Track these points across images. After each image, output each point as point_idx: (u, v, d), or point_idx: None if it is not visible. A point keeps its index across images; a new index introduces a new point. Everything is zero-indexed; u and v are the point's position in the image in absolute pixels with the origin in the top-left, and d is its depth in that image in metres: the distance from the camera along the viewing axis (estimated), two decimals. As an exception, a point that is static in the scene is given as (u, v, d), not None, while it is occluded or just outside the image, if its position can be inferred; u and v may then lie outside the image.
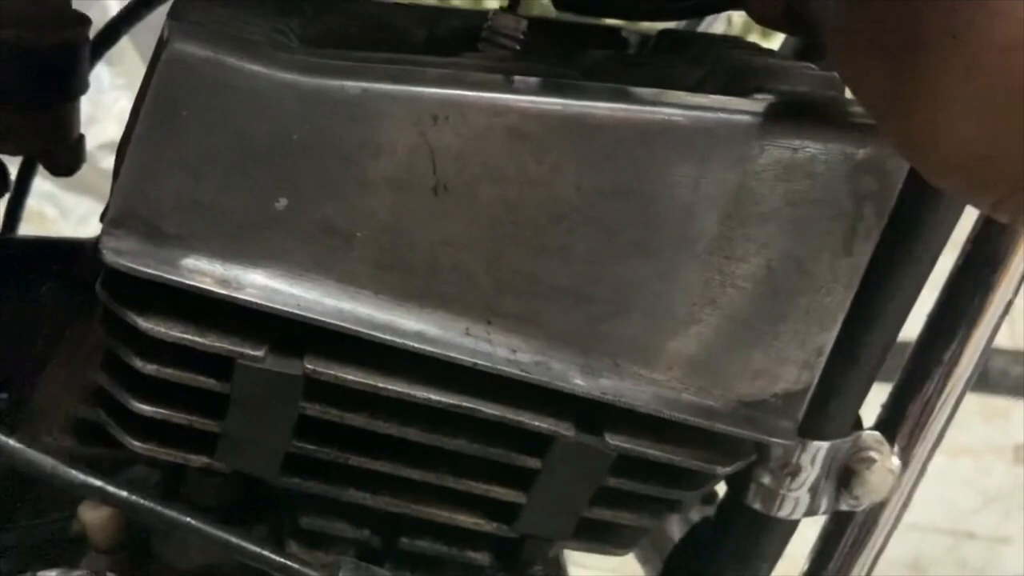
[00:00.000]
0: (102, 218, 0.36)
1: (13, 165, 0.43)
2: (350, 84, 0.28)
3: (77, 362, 0.36)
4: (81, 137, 0.42)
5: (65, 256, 0.38)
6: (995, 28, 0.20)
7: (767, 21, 0.30)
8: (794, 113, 0.31)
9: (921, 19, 0.21)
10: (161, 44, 0.28)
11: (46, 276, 0.37)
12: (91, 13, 0.42)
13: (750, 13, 0.30)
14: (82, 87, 0.41)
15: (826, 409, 0.37)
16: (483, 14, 0.39)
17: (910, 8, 0.21)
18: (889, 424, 0.40)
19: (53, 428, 0.36)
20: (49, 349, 0.36)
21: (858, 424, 0.40)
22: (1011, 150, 0.21)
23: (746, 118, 0.30)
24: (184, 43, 0.27)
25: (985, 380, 1.49)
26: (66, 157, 0.41)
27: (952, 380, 0.39)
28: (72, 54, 0.39)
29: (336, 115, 0.28)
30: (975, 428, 1.41)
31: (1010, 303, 0.39)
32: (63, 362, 0.36)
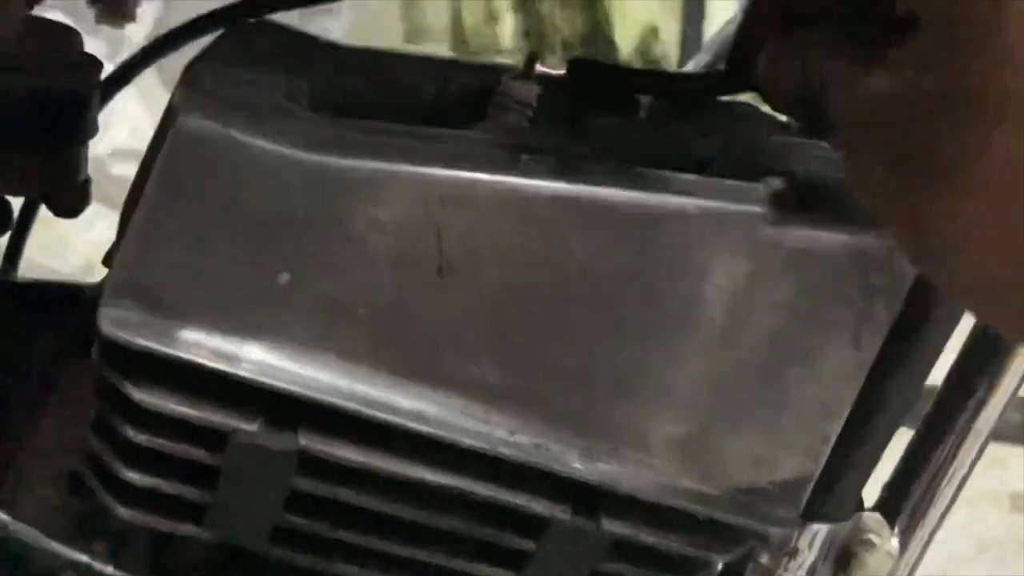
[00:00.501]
0: (105, 261, 0.36)
1: (16, 203, 0.43)
2: (359, 163, 0.27)
3: (69, 414, 0.36)
4: (87, 179, 0.42)
5: (64, 304, 0.38)
6: (1015, 150, 0.20)
7: (781, 105, 0.29)
8: (805, 203, 0.31)
9: (939, 138, 0.21)
10: (170, 111, 0.28)
11: (43, 325, 0.37)
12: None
13: (763, 97, 0.30)
14: (91, 131, 0.40)
15: (828, 492, 0.36)
16: (497, 71, 0.39)
17: (927, 126, 0.21)
18: (890, 505, 0.39)
19: (43, 480, 0.36)
20: (42, 400, 0.36)
21: (859, 504, 0.39)
22: None
23: (756, 208, 0.29)
24: (194, 117, 0.27)
25: (984, 426, 1.48)
26: (71, 199, 0.41)
27: (955, 464, 0.39)
28: (82, 99, 0.39)
29: (343, 192, 0.27)
30: (972, 475, 1.40)
31: (1014, 393, 0.38)
32: (55, 413, 0.36)
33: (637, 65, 2.24)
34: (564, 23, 2.31)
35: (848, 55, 0.26)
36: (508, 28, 2.30)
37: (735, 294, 0.30)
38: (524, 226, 0.28)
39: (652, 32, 2.29)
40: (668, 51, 2.27)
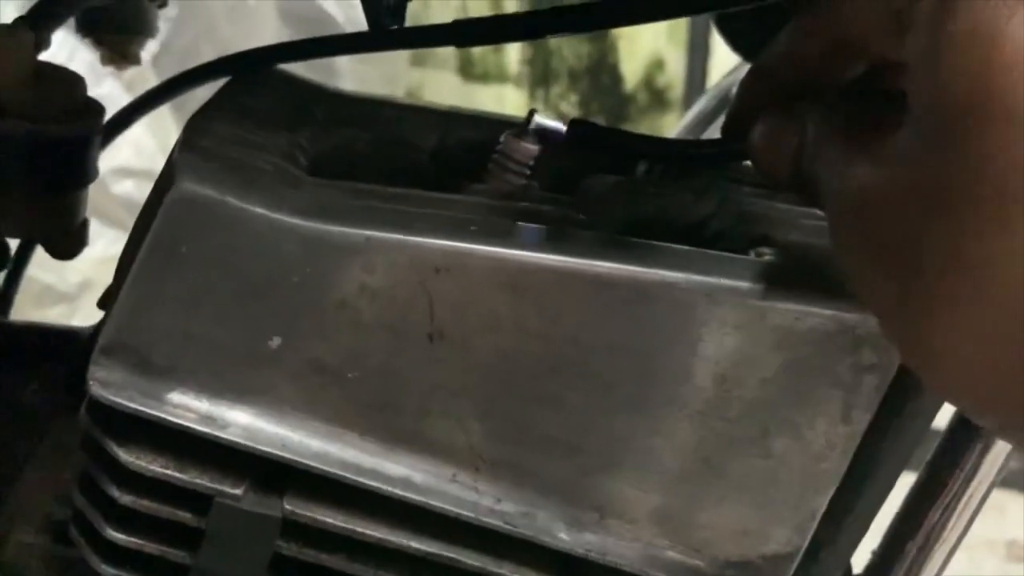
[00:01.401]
0: (100, 304, 0.36)
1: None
2: (353, 231, 0.28)
3: (57, 461, 0.36)
4: (85, 222, 0.42)
5: (55, 349, 0.38)
6: (1005, 255, 0.19)
7: (775, 182, 0.29)
8: (797, 277, 0.31)
9: (928, 238, 0.20)
10: (169, 171, 0.28)
11: (33, 373, 0.37)
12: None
13: (758, 169, 0.30)
14: (92, 176, 0.41)
15: (815, 561, 0.36)
16: (497, 125, 0.39)
17: (914, 224, 0.21)
18: (879, 574, 0.39)
19: (30, 527, 0.36)
20: (30, 447, 0.36)
21: (848, 573, 0.39)
22: (1018, 386, 0.20)
23: (746, 284, 0.29)
24: (191, 183, 0.27)
25: (980, 470, 1.47)
26: (67, 242, 0.41)
27: (943, 536, 0.39)
28: (83, 145, 0.40)
29: (337, 260, 0.28)
30: (968, 520, 1.39)
31: (1006, 463, 0.38)
32: (43, 461, 0.36)
33: (642, 96, 2.25)
34: (570, 53, 2.33)
35: (841, 137, 0.26)
36: (514, 56, 2.32)
37: (723, 367, 0.30)
38: (516, 296, 0.29)
39: (658, 64, 2.31)
40: (673, 82, 2.29)
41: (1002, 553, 1.40)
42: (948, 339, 0.20)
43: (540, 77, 2.27)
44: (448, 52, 2.33)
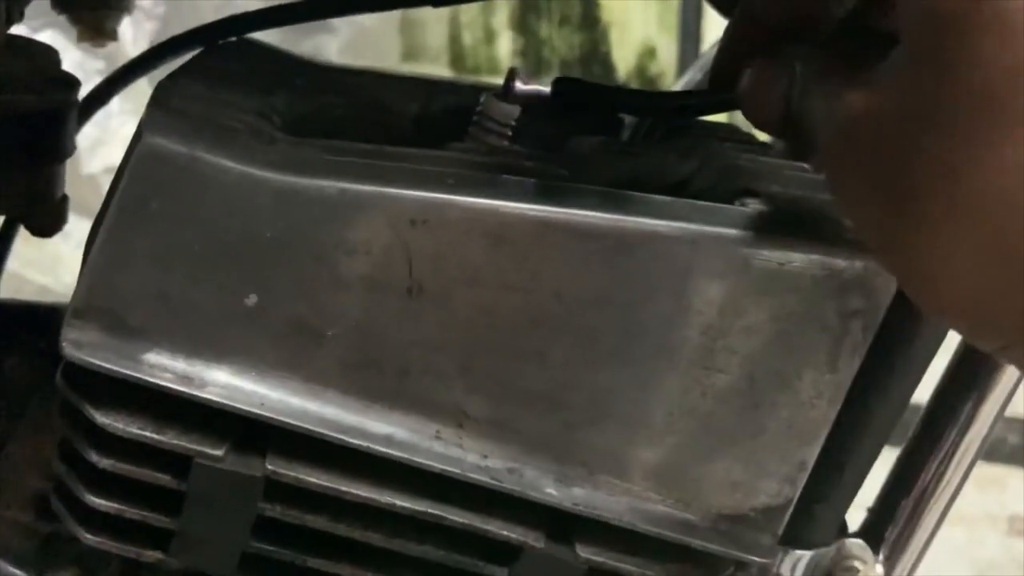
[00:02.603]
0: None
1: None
2: (327, 183, 0.27)
3: (39, 437, 0.35)
4: (64, 198, 0.42)
5: (36, 324, 0.38)
6: (998, 164, 0.19)
7: (764, 125, 0.29)
8: (781, 224, 0.30)
9: (920, 156, 0.20)
10: (139, 130, 0.28)
11: (11, 347, 0.36)
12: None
13: (747, 116, 0.30)
14: (68, 150, 0.40)
15: (809, 518, 0.35)
16: (480, 91, 0.39)
17: (902, 146, 0.20)
18: (874, 531, 0.39)
19: (12, 503, 0.35)
20: (11, 423, 0.35)
21: (843, 529, 0.39)
22: (1015, 300, 0.20)
23: (730, 230, 0.29)
24: (158, 137, 0.26)
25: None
26: (48, 218, 0.41)
27: (941, 487, 0.38)
28: (59, 118, 0.39)
29: (311, 214, 0.27)
30: (969, 497, 1.38)
31: (1000, 413, 0.38)
32: (25, 436, 0.35)
33: (634, 85, 2.25)
34: (562, 43, 2.32)
35: (830, 72, 0.25)
36: (506, 48, 2.31)
37: (710, 317, 0.29)
38: (496, 249, 0.28)
39: (649, 52, 2.30)
40: (665, 70, 2.28)
41: (1003, 528, 1.40)
42: (943, 258, 0.20)
43: (532, 68, 2.27)
44: (440, 46, 2.32)
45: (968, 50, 0.19)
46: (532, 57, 2.32)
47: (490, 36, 2.33)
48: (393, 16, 2.09)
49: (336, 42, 1.83)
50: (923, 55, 0.20)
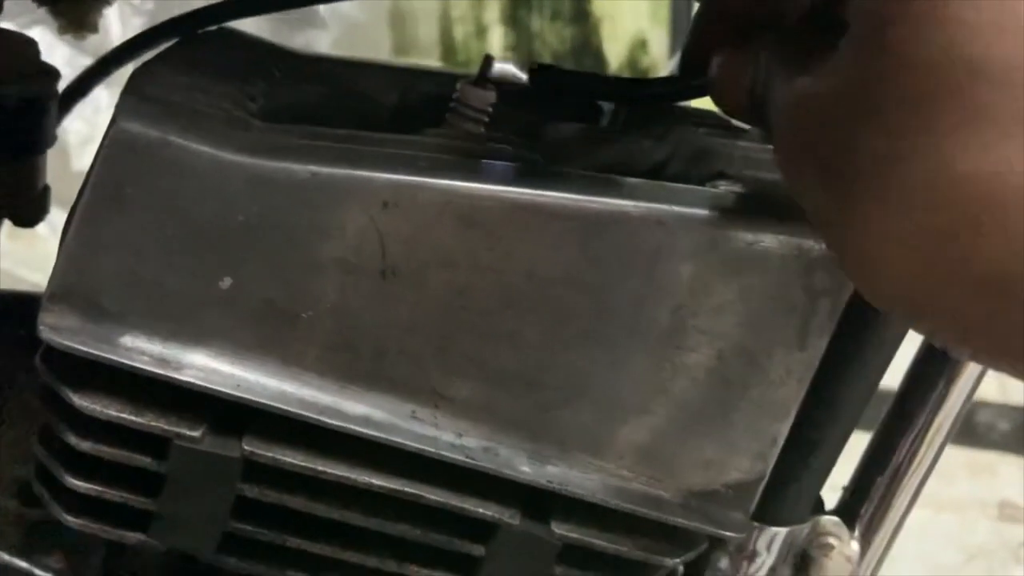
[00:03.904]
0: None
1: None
2: (298, 167, 0.27)
3: (22, 424, 0.36)
4: (46, 188, 0.42)
5: (15, 313, 0.38)
6: (928, 152, 0.19)
7: (732, 111, 0.29)
8: (750, 205, 0.31)
9: (856, 144, 0.21)
10: (113, 117, 0.28)
11: (-5, 335, 0.37)
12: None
13: (715, 102, 0.30)
14: (48, 141, 0.40)
15: (784, 495, 0.36)
16: (458, 80, 0.39)
17: (845, 129, 0.21)
18: (850, 509, 0.39)
19: (-3, 490, 0.36)
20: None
21: (819, 507, 0.39)
22: (946, 287, 0.20)
23: (699, 211, 0.29)
24: (131, 122, 0.27)
25: (972, 434, 1.48)
26: (30, 209, 0.41)
27: (912, 470, 0.39)
28: (39, 109, 0.39)
29: (283, 197, 0.27)
30: (960, 483, 1.40)
31: (971, 394, 0.38)
32: (8, 423, 0.36)
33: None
34: (553, 37, 2.32)
35: (790, 60, 0.26)
36: (497, 41, 2.31)
37: (680, 297, 0.30)
38: (468, 230, 0.29)
39: (641, 44, 2.30)
40: (657, 63, 2.28)
41: (994, 514, 1.41)
42: (879, 244, 0.21)
43: (524, 62, 2.27)
44: (431, 40, 2.32)
45: (903, 41, 0.20)
46: (524, 51, 2.32)
47: (481, 30, 2.33)
48: (384, 10, 2.08)
49: (327, 36, 1.83)
50: (861, 46, 0.21)
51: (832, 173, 0.21)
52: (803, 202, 0.24)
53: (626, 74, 2.26)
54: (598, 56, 2.30)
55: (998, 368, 0.22)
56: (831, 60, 0.22)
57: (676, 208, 0.29)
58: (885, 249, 0.20)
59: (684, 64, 0.33)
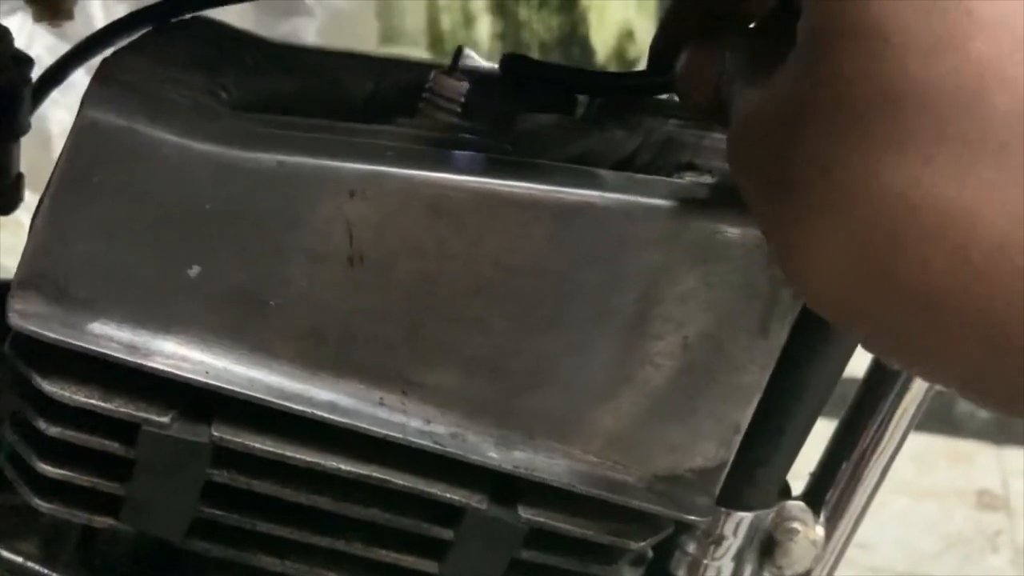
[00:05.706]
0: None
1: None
2: (266, 156, 0.28)
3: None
4: (20, 176, 0.42)
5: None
6: (860, 166, 0.20)
7: (695, 108, 0.30)
8: (715, 196, 0.31)
9: (796, 152, 0.21)
10: (80, 105, 0.28)
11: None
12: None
13: (680, 98, 0.31)
14: (22, 128, 0.40)
15: (750, 480, 0.37)
16: (433, 68, 0.39)
17: (786, 138, 0.21)
18: (815, 494, 0.40)
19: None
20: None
21: (786, 492, 0.40)
22: (874, 298, 0.20)
23: (663, 201, 0.30)
24: (98, 110, 0.27)
25: (951, 423, 1.50)
26: (4, 196, 0.41)
27: (876, 456, 0.40)
28: (11, 96, 0.39)
29: (251, 186, 0.28)
30: (939, 471, 1.42)
31: (932, 385, 0.39)
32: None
33: (613, 67, 2.25)
34: (541, 26, 2.32)
35: (748, 67, 0.26)
36: (485, 31, 2.31)
37: (645, 285, 0.30)
38: (435, 219, 0.29)
39: (628, 34, 2.30)
40: (644, 53, 2.28)
41: (972, 502, 1.43)
42: (813, 252, 0.21)
43: (511, 51, 2.26)
44: (418, 29, 2.31)
45: (836, 58, 0.20)
46: (511, 40, 2.32)
47: (469, 19, 2.32)
48: (370, -1, 2.07)
49: (313, 25, 1.82)
50: (807, 58, 0.21)
51: (773, 183, 0.22)
52: (751, 207, 0.24)
53: (613, 64, 2.26)
54: (585, 46, 2.30)
55: (931, 381, 0.22)
56: (780, 71, 0.22)
57: (641, 199, 0.30)
58: (819, 257, 0.21)
59: (652, 57, 0.33)
